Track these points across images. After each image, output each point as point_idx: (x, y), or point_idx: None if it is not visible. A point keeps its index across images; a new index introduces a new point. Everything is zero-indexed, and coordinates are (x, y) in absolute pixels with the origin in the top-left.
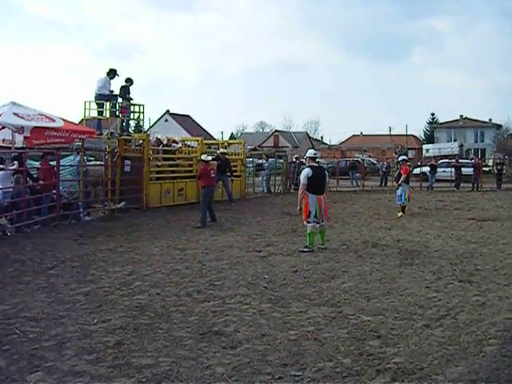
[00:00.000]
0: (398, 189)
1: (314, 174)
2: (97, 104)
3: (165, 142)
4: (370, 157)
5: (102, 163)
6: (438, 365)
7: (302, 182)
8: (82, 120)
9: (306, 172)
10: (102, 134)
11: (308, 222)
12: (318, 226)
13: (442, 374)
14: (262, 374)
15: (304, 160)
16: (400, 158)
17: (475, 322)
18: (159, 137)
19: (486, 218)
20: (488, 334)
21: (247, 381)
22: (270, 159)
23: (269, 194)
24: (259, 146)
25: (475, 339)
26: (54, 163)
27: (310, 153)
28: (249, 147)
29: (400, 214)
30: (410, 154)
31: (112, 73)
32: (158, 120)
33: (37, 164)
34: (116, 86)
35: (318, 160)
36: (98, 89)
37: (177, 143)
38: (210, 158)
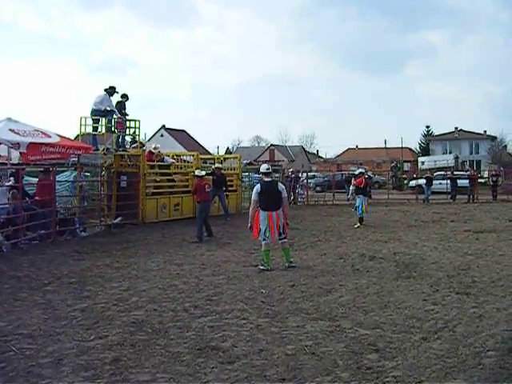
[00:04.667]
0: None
1: (264, 190)
2: (92, 120)
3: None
4: (365, 170)
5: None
6: (437, 378)
7: (252, 198)
8: (78, 136)
9: (255, 188)
10: (97, 149)
11: (263, 240)
12: (280, 242)
13: None
14: None
15: (299, 174)
16: (357, 172)
17: (473, 334)
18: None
19: (483, 230)
20: (486, 345)
21: None
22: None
23: None
24: (255, 161)
25: (473, 351)
26: None
27: (263, 168)
28: (244, 162)
29: (357, 225)
30: (406, 166)
31: (111, 90)
32: (154, 135)
33: (33, 180)
34: (112, 101)
35: (272, 174)
36: (95, 104)
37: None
38: (203, 172)
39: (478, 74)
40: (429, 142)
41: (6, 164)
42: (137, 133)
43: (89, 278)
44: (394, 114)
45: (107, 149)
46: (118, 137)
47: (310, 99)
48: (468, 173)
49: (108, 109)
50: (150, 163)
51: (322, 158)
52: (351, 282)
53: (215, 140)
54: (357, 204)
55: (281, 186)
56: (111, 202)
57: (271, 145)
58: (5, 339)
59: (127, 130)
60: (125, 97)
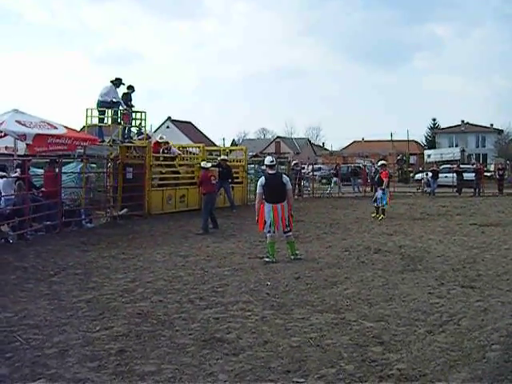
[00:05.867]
0: (377, 192)
1: (268, 182)
2: (98, 111)
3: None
4: (371, 163)
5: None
6: (441, 371)
7: (257, 191)
8: (84, 127)
9: (260, 181)
10: (103, 141)
11: (268, 232)
12: (285, 236)
13: (445, 380)
14: (264, 381)
15: (305, 166)
16: (379, 163)
17: (478, 327)
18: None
19: (488, 224)
20: (491, 339)
21: None
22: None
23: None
24: (261, 153)
25: (478, 345)
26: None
27: (267, 160)
28: (250, 154)
29: (381, 216)
30: (412, 159)
31: (118, 81)
32: (160, 127)
33: (40, 171)
34: (118, 93)
35: (276, 167)
36: (101, 95)
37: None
38: (209, 164)
39: (484, 67)
40: (435, 134)
41: (13, 155)
42: (143, 124)
43: (94, 269)
44: (400, 106)
45: (113, 140)
46: (124, 128)
47: (316, 91)
48: (474, 166)
49: (114, 100)
50: (156, 155)
51: (327, 150)
52: (356, 274)
53: (221, 132)
54: (378, 196)
55: (285, 178)
56: (117, 193)
57: (277, 137)
58: (11, 329)
59: (133, 121)
60: (131, 88)
